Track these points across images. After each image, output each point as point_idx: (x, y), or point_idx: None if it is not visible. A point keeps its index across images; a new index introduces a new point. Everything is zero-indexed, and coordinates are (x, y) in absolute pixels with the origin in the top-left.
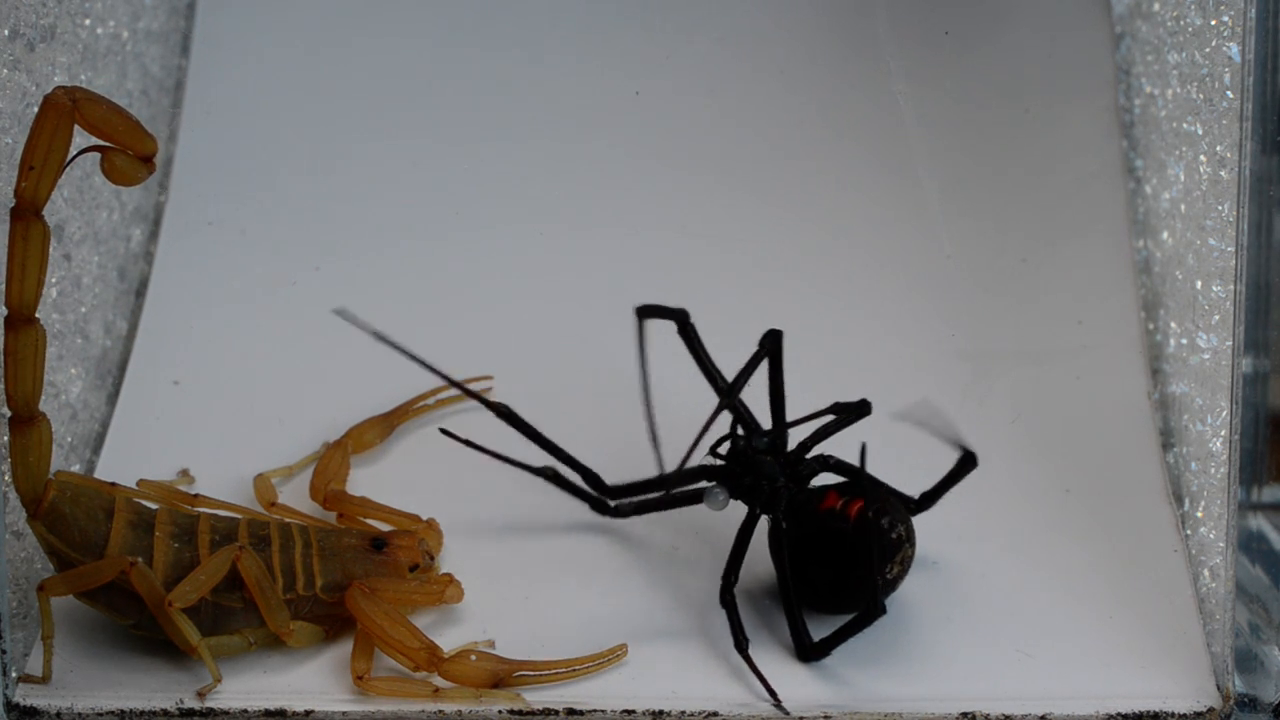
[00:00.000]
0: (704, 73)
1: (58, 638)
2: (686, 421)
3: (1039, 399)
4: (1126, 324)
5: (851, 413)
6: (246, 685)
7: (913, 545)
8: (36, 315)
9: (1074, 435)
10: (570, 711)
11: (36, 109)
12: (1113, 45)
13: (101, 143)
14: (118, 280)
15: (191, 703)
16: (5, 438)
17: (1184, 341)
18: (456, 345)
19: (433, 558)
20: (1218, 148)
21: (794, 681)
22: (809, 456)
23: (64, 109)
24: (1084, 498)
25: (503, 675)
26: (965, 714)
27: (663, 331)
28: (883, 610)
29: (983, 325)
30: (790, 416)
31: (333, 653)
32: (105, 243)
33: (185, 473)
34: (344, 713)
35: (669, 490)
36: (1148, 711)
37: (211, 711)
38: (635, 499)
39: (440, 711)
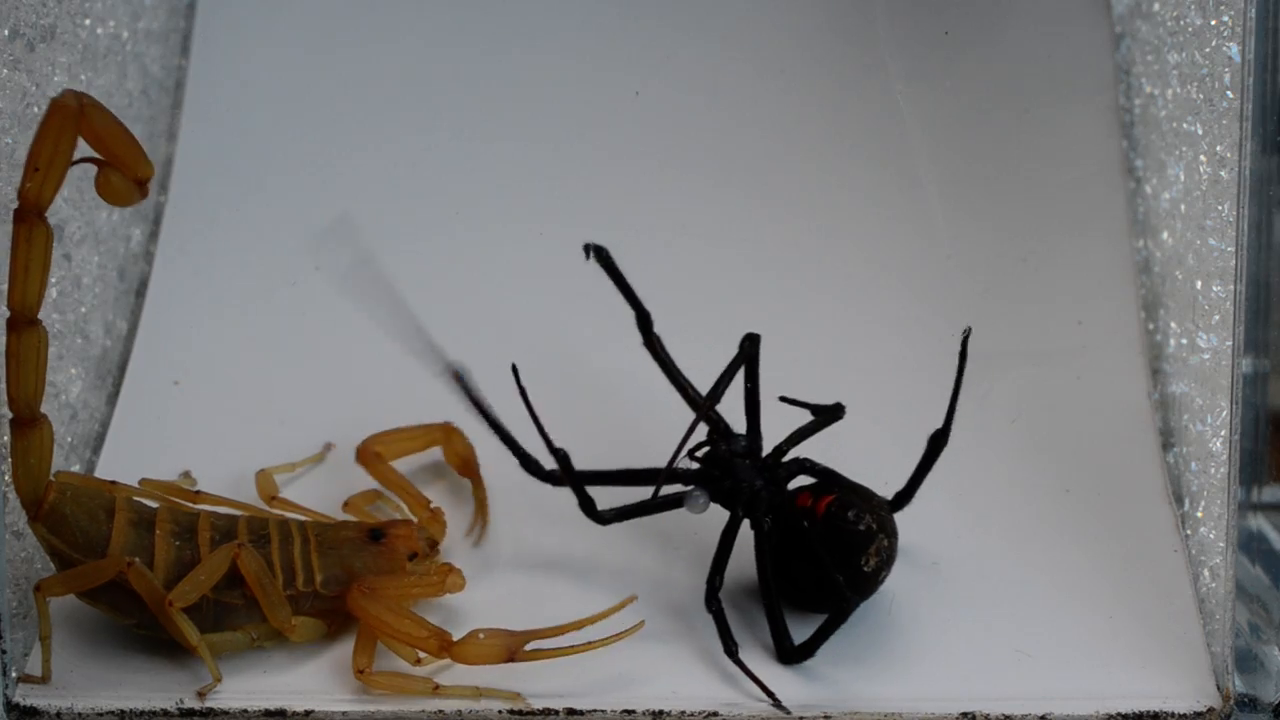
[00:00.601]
0: (704, 73)
1: (57, 638)
2: (668, 423)
3: (1039, 399)
4: (1126, 324)
5: (826, 415)
6: (246, 685)
7: (890, 536)
8: (39, 317)
9: (1074, 435)
10: (570, 711)
11: (38, 109)
12: (1113, 45)
13: (99, 156)
14: (118, 280)
15: (191, 703)
16: (5, 438)
17: (1184, 341)
18: (456, 345)
19: (434, 546)
20: (1218, 148)
21: (794, 682)
22: (786, 459)
23: (71, 112)
24: (1084, 498)
25: (514, 648)
26: (965, 714)
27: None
28: (854, 604)
29: (983, 325)
30: (767, 420)
31: (332, 653)
32: (105, 243)
33: (187, 474)
34: (344, 713)
35: (651, 495)
36: (1148, 711)
37: (211, 711)
38: (618, 506)
39: (440, 711)
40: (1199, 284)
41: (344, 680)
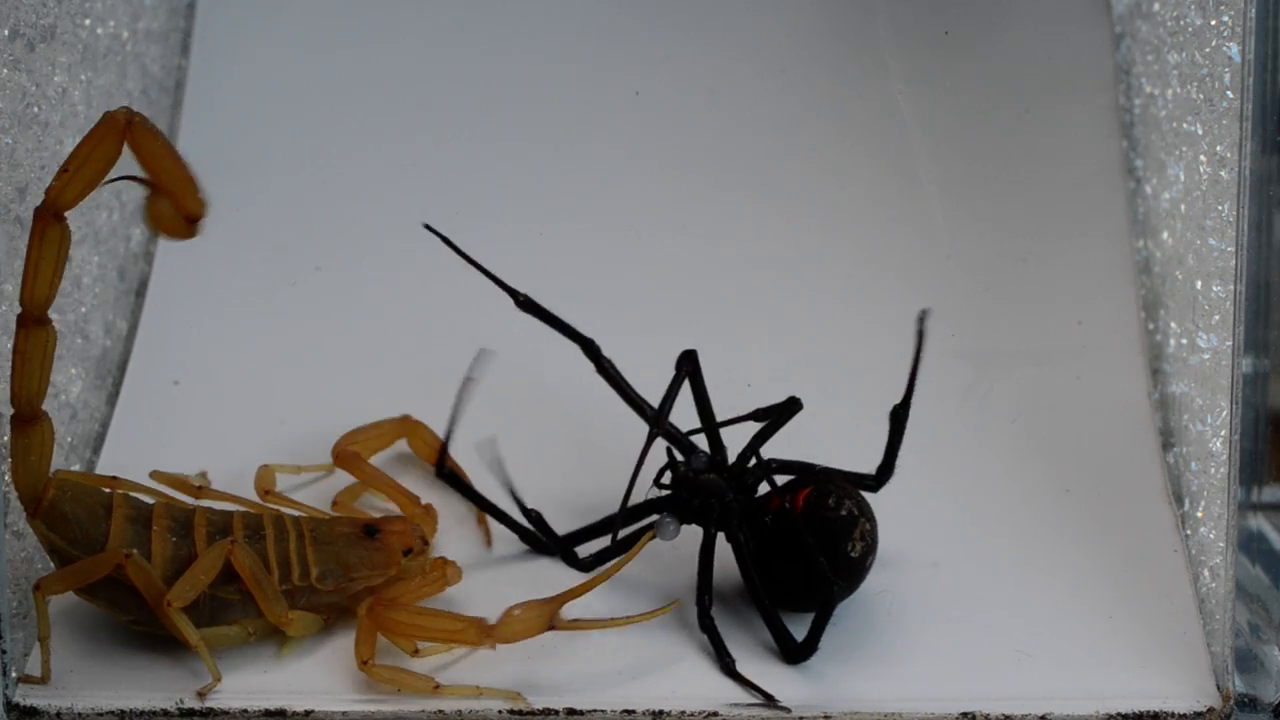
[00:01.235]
0: (704, 73)
1: (57, 637)
2: (629, 452)
3: (1039, 399)
4: (1126, 324)
5: (783, 413)
6: (246, 685)
7: (870, 521)
8: (49, 316)
9: (1074, 435)
10: (570, 711)
11: (38, 109)
12: (1113, 45)
13: (151, 180)
14: (118, 280)
15: (191, 703)
16: (5, 438)
17: (1184, 341)
18: (456, 344)
19: (426, 542)
20: (1218, 148)
21: (794, 682)
22: (750, 465)
23: (117, 124)
24: (1084, 498)
25: (551, 615)
26: (965, 714)
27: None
28: (840, 590)
29: (983, 325)
30: (722, 430)
31: (332, 653)
32: (105, 243)
33: (203, 474)
34: (344, 713)
35: (616, 531)
36: (1148, 711)
37: (211, 711)
38: (595, 552)
39: (440, 711)
40: (1199, 284)
41: (344, 680)
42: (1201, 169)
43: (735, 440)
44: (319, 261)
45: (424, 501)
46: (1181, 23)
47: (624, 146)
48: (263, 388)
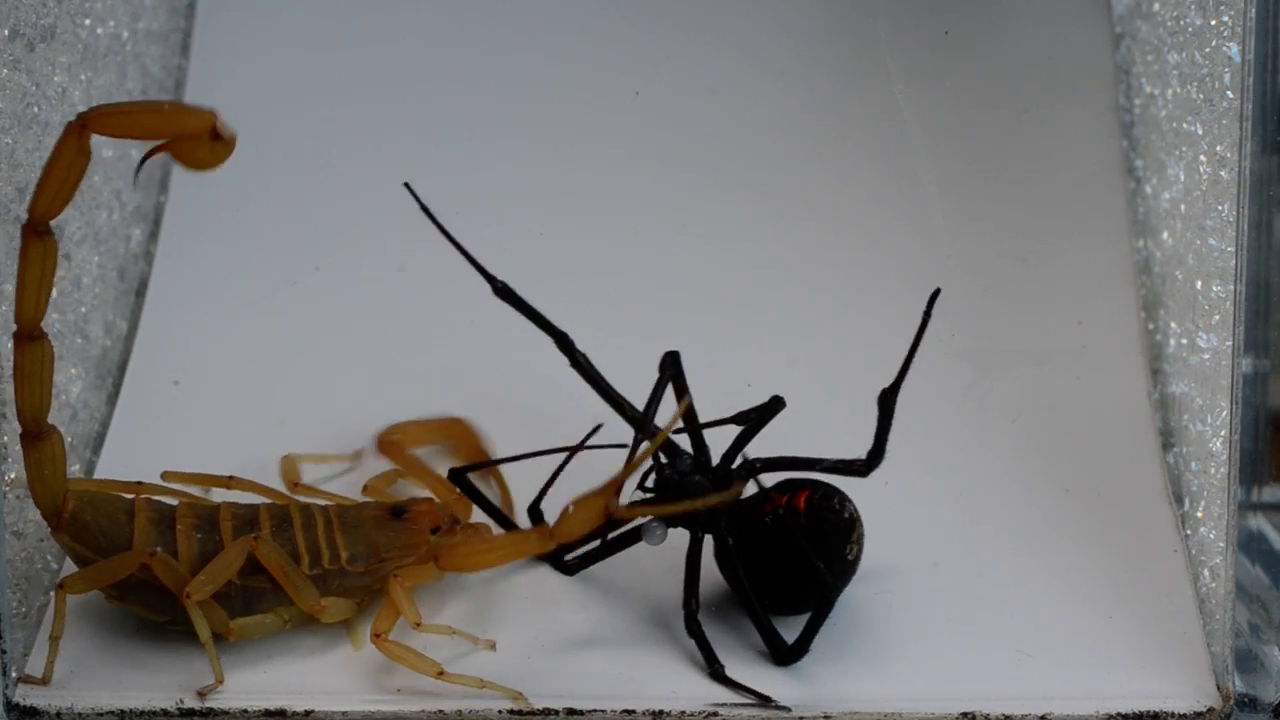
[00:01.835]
0: (704, 73)
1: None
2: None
3: (1039, 399)
4: (1126, 324)
5: (766, 413)
6: (246, 685)
7: (860, 521)
8: (44, 330)
9: (1074, 435)
10: (570, 711)
11: (38, 109)
12: (1113, 45)
13: (157, 142)
14: (118, 280)
15: (191, 703)
16: (4, 438)
17: (1184, 341)
18: (457, 345)
19: (457, 521)
20: (1218, 148)
21: (793, 682)
22: (735, 466)
23: (72, 130)
24: (1084, 498)
25: (606, 499)
26: (965, 714)
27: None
28: (836, 588)
29: (983, 325)
30: (709, 431)
31: (333, 653)
32: (105, 243)
33: (234, 477)
34: (344, 713)
35: (604, 536)
36: (1148, 711)
37: (211, 711)
38: (580, 554)
39: (440, 711)
40: (1199, 284)
41: (344, 680)
42: (1201, 169)
43: (719, 443)
44: (319, 261)
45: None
46: (1181, 23)
47: (624, 146)
48: (263, 388)
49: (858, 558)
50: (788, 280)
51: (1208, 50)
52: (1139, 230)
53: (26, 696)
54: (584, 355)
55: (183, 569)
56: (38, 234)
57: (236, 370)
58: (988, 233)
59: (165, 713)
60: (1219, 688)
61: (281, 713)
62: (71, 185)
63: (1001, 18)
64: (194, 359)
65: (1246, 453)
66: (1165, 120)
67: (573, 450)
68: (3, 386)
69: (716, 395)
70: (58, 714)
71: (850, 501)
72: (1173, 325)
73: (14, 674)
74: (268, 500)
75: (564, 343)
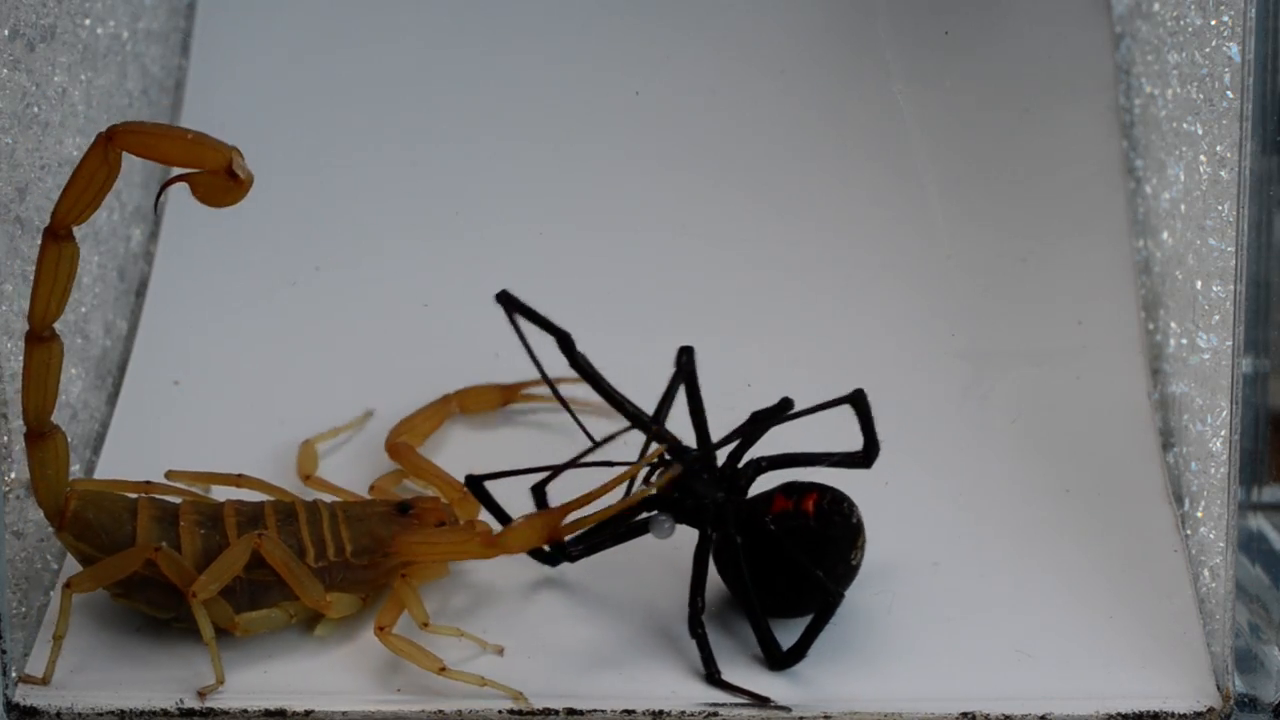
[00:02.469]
0: (704, 73)
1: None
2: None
3: (1039, 399)
4: (1126, 324)
5: (775, 413)
6: (246, 685)
7: (864, 527)
8: (55, 332)
9: (1074, 435)
10: (570, 711)
11: (38, 109)
12: (1113, 45)
13: (182, 171)
14: (118, 280)
15: (191, 703)
16: (5, 438)
17: (1184, 341)
18: (456, 344)
19: (459, 522)
20: (1218, 148)
21: (793, 682)
22: (741, 465)
23: (100, 141)
24: (1084, 498)
25: (554, 524)
26: (965, 714)
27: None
28: (841, 596)
29: (983, 325)
30: (714, 428)
31: (333, 653)
32: (105, 243)
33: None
34: (344, 713)
35: (613, 528)
36: (1148, 711)
37: (211, 711)
38: (585, 541)
39: (440, 711)
40: (1199, 284)
41: (344, 680)
42: (1201, 169)
43: (718, 435)
44: (319, 261)
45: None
46: (1181, 23)
47: (624, 146)
48: (263, 388)
49: (859, 564)
50: (788, 280)
51: (1208, 50)
52: (1139, 230)
53: (27, 696)
54: (584, 356)
55: (188, 565)
56: (56, 238)
57: (236, 370)
58: (988, 233)
59: (165, 713)
60: (1219, 688)
61: (281, 713)
62: (95, 194)
63: (1001, 18)
64: (194, 359)
65: (1246, 453)
66: (1165, 120)
67: (582, 456)
68: (2, 387)
69: (716, 395)
70: (58, 714)
71: (857, 507)
72: (1173, 325)
73: (14, 674)
74: (273, 498)
75: (565, 343)
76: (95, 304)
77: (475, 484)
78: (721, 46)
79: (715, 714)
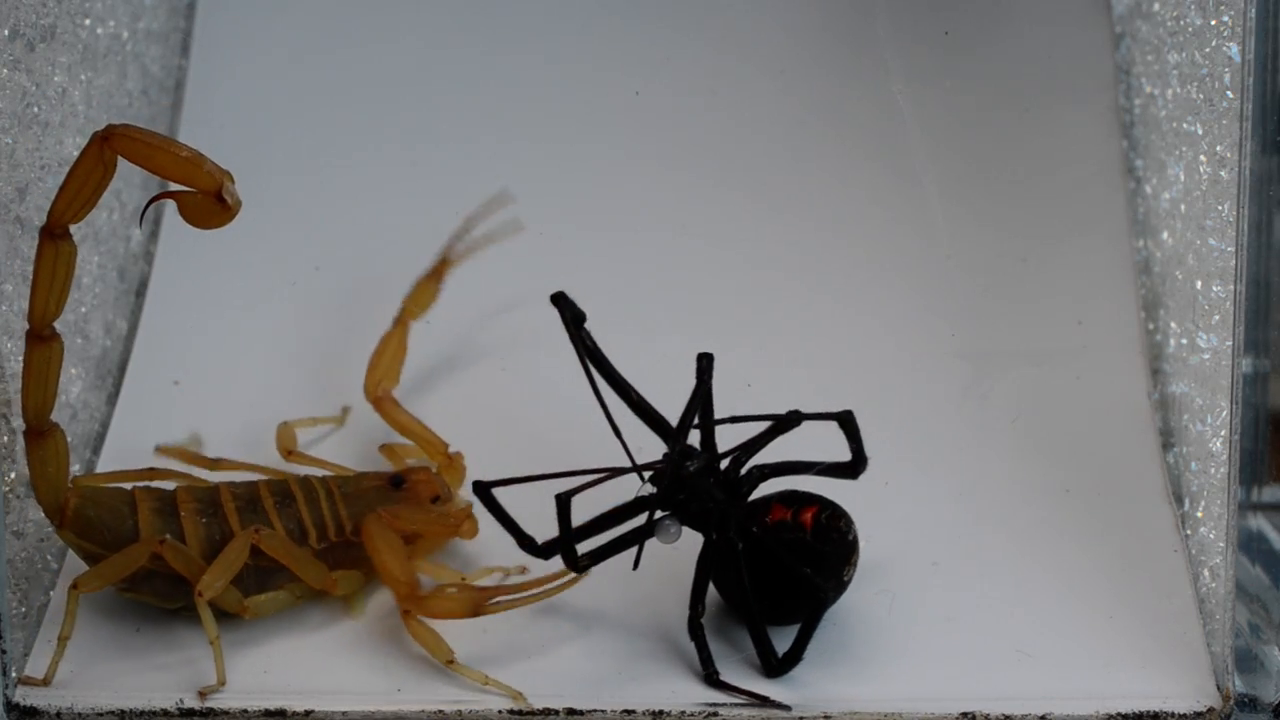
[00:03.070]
0: (704, 73)
1: (56, 639)
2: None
3: (1039, 399)
4: (1126, 324)
5: (783, 425)
6: (246, 685)
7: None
8: (55, 331)
9: (1074, 435)
10: (570, 711)
11: (38, 109)
12: (1113, 45)
13: (176, 188)
14: (118, 280)
15: (191, 703)
16: (5, 438)
17: (1184, 341)
18: (456, 345)
19: (451, 492)
20: (1218, 148)
21: (793, 682)
22: (744, 472)
23: (95, 140)
24: (1084, 498)
25: (479, 602)
26: (965, 714)
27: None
28: (828, 594)
29: (983, 325)
30: (735, 432)
31: (333, 654)
32: (105, 243)
33: (195, 437)
34: (344, 713)
35: (613, 527)
36: (1148, 711)
37: (211, 711)
38: (592, 550)
39: (440, 711)
40: (1199, 284)
41: (344, 680)
42: (1201, 169)
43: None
44: (319, 261)
45: (452, 450)
46: (1181, 23)
47: (624, 146)
48: (263, 388)
49: (851, 579)
50: (787, 280)
51: (1208, 50)
52: (1139, 230)
53: (26, 696)
54: (587, 332)
55: (193, 553)
56: (53, 237)
57: (236, 370)
58: (988, 233)
59: (165, 713)
60: (1219, 688)
61: (281, 713)
62: (91, 193)
63: (1001, 18)
64: (194, 359)
65: (1246, 453)
66: (1165, 120)
67: (597, 479)
68: (3, 386)
69: (716, 395)
70: (58, 714)
71: (854, 524)
72: (1173, 325)
73: (14, 674)
74: (264, 476)
75: (595, 357)
76: (95, 304)
77: (483, 491)
78: (721, 46)
79: (715, 714)
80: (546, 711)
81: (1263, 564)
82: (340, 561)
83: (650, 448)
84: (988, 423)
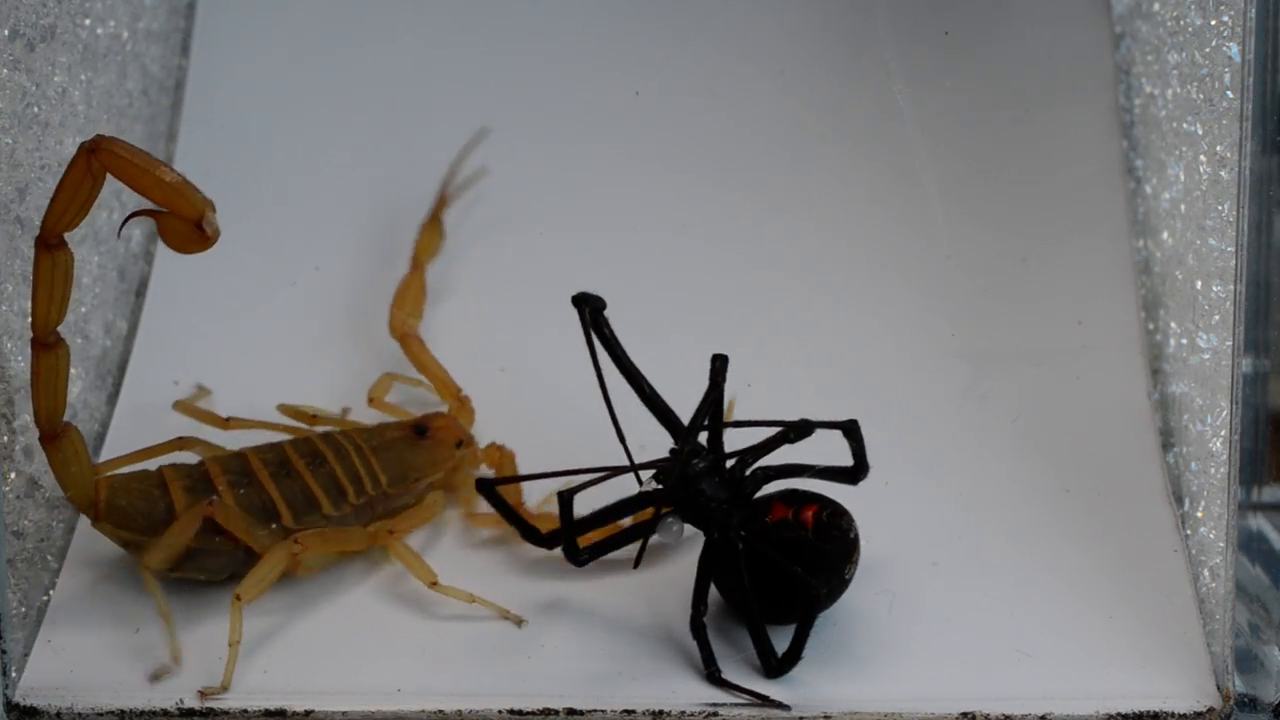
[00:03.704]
0: (704, 73)
1: (56, 639)
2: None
3: (1039, 399)
4: (1126, 324)
5: (791, 432)
6: (246, 685)
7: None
8: (60, 336)
9: (1074, 435)
10: (570, 711)
11: (38, 109)
12: (1113, 45)
13: (154, 207)
14: (118, 280)
15: (192, 703)
16: (5, 438)
17: (1184, 341)
18: (456, 346)
19: (471, 435)
20: (1218, 148)
21: (793, 682)
22: (748, 472)
23: (82, 152)
24: (1084, 498)
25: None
26: (965, 714)
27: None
28: (822, 591)
29: (983, 325)
30: (742, 430)
31: (333, 653)
32: (105, 243)
33: (201, 388)
34: (344, 712)
35: (615, 521)
36: (1148, 711)
37: (211, 711)
38: (592, 544)
39: (440, 711)
40: (1199, 284)
41: (344, 680)
42: (1201, 169)
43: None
44: (319, 261)
45: (463, 394)
46: (1181, 23)
47: (624, 146)
48: (263, 388)
49: (852, 578)
50: (788, 280)
51: (1208, 50)
52: (1139, 230)
53: (26, 696)
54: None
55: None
56: (48, 247)
57: (236, 370)
58: (988, 233)
59: (165, 713)
60: (1219, 688)
61: (281, 713)
62: (80, 204)
63: (1001, 18)
64: (194, 359)
65: (1246, 453)
66: (1165, 120)
67: (599, 477)
68: (3, 386)
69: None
70: (58, 714)
71: (855, 523)
72: (1173, 325)
73: (14, 674)
74: (286, 437)
75: (623, 364)
76: (95, 304)
77: (487, 488)
78: (721, 46)
79: (715, 714)
80: (546, 711)
81: (1263, 564)
82: (377, 514)
83: (651, 445)
84: (988, 423)
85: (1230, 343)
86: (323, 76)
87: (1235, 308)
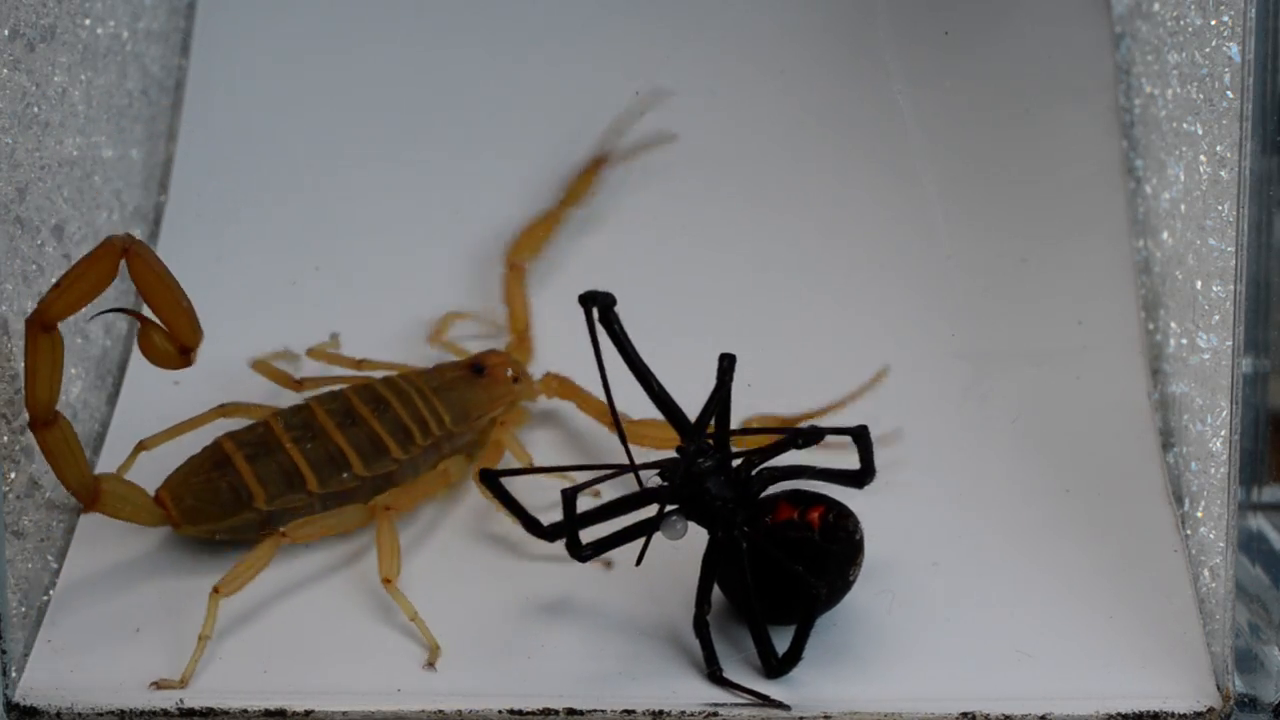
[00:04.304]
0: (704, 73)
1: (56, 639)
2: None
3: (1039, 399)
4: (1126, 324)
5: (802, 438)
6: (246, 685)
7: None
8: (58, 412)
9: (1074, 435)
10: (570, 711)
11: (38, 109)
12: (1113, 45)
13: (146, 315)
14: (118, 280)
15: (192, 703)
16: (4, 438)
17: (1184, 341)
18: (458, 344)
19: (525, 369)
20: (1218, 148)
21: (794, 682)
22: (754, 474)
23: (114, 249)
24: (1084, 498)
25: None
26: (965, 714)
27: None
28: (822, 591)
29: (983, 325)
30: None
31: (333, 653)
32: None
33: (288, 350)
34: (344, 712)
35: (620, 515)
36: (1148, 711)
37: (211, 711)
38: (595, 540)
39: (440, 711)
40: (1199, 284)
41: (344, 680)
42: (1201, 169)
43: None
44: (319, 261)
45: (529, 331)
46: (1181, 23)
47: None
48: (263, 388)
49: (856, 579)
50: (787, 280)
51: (1208, 50)
52: (1139, 230)
53: (26, 696)
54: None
55: (309, 474)
56: (45, 330)
57: (236, 370)
58: (988, 233)
59: (165, 713)
60: (1219, 688)
61: (281, 713)
62: (85, 291)
63: (1001, 18)
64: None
65: (1246, 453)
66: (1165, 120)
67: (604, 476)
68: (2, 386)
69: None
70: (58, 714)
71: (860, 524)
72: (1173, 325)
73: (14, 674)
74: (344, 385)
75: (635, 364)
76: (95, 304)
77: (491, 480)
78: (721, 46)
79: (715, 714)
80: (546, 711)
81: (1263, 564)
82: (445, 455)
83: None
84: (988, 423)
85: (1230, 343)
86: (322, 76)
87: (1235, 308)
